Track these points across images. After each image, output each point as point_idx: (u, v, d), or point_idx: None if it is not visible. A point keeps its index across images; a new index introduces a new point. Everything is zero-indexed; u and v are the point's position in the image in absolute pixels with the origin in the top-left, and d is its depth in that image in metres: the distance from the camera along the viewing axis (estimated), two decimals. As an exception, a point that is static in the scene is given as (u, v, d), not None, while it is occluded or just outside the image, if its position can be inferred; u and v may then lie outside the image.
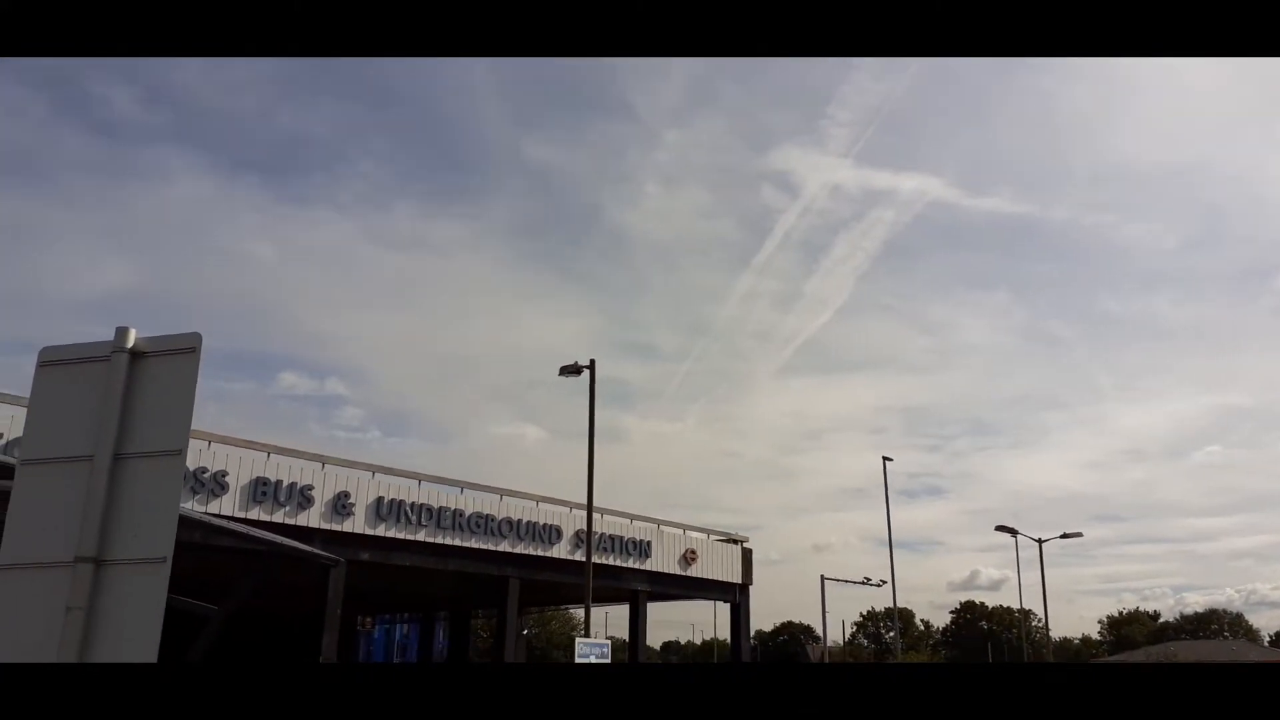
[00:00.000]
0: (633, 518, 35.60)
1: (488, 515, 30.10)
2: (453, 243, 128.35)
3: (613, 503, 37.33)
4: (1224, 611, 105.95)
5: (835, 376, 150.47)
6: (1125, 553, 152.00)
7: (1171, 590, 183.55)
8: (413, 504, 28.15)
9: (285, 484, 25.26)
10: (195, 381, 3.29)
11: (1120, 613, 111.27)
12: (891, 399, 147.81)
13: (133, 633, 3.00)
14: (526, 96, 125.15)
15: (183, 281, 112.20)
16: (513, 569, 31.23)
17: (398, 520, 27.69)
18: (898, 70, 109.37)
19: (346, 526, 26.43)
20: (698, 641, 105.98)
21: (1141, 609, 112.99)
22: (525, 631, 63.25)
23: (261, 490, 24.71)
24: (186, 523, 4.47)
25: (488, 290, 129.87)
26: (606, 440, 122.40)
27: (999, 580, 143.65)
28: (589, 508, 26.21)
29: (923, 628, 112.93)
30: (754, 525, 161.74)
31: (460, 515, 29.36)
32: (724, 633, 61.28)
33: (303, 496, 25.55)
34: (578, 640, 25.31)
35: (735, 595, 40.05)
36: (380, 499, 27.41)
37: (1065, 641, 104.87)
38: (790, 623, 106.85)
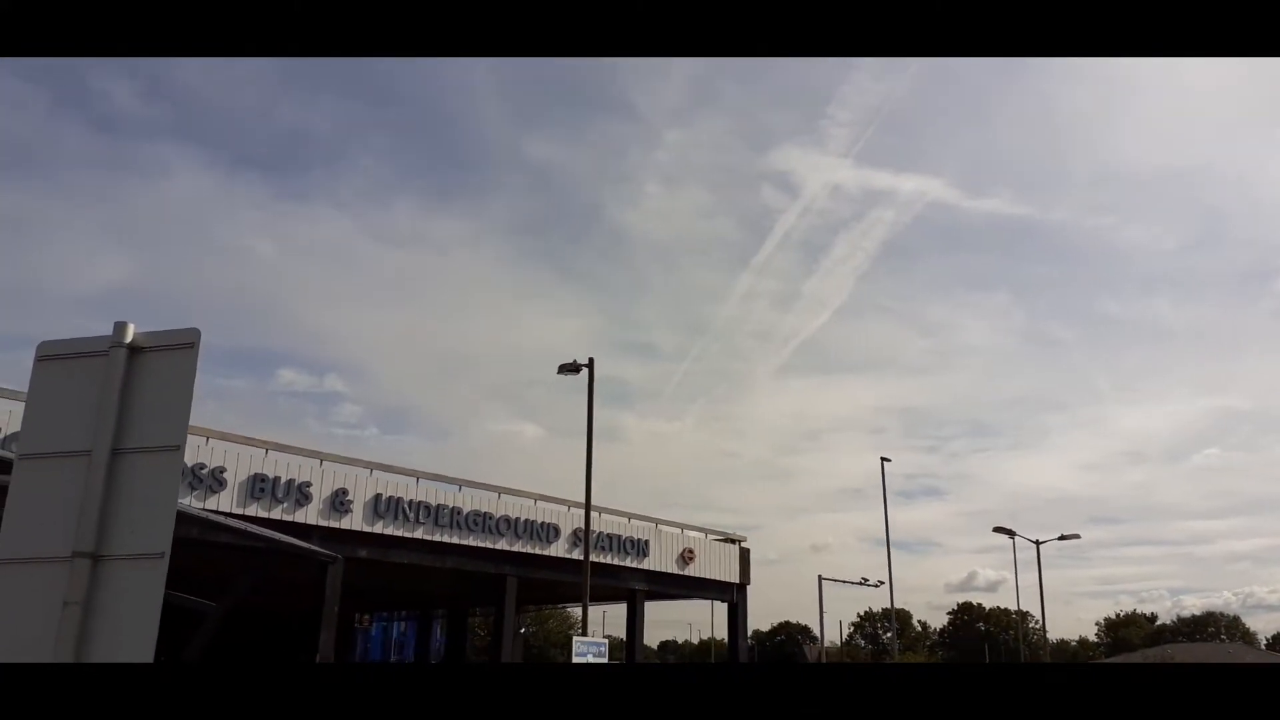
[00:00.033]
0: (631, 517, 35.61)
1: (486, 513, 30.11)
2: (452, 240, 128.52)
3: (611, 501, 37.37)
4: (1221, 614, 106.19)
5: (834, 377, 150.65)
6: (1123, 555, 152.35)
7: (1169, 593, 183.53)
8: (411, 501, 28.14)
9: (283, 480, 25.26)
10: (194, 377, 3.29)
11: (1117, 615, 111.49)
12: (890, 400, 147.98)
13: (130, 628, 3.00)
14: (527, 95, 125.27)
15: (182, 277, 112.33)
16: (510, 567, 31.24)
17: (395, 517, 27.69)
18: (898, 70, 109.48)
19: (344, 523, 26.43)
20: (695, 641, 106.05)
21: (1139, 611, 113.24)
22: (523, 630, 63.24)
23: (259, 487, 24.71)
24: (184, 519, 4.48)
25: (487, 288, 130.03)
26: (605, 439, 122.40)
27: (996, 581, 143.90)
28: (587, 506, 26.21)
29: (920, 629, 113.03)
30: (752, 525, 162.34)
31: (458, 513, 29.36)
32: (721, 632, 61.39)
33: (300, 493, 25.54)
34: (575, 639, 25.29)
35: (733, 595, 40.06)
36: (378, 496, 27.41)
37: (1062, 643, 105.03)
38: (788, 623, 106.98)
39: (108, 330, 3.35)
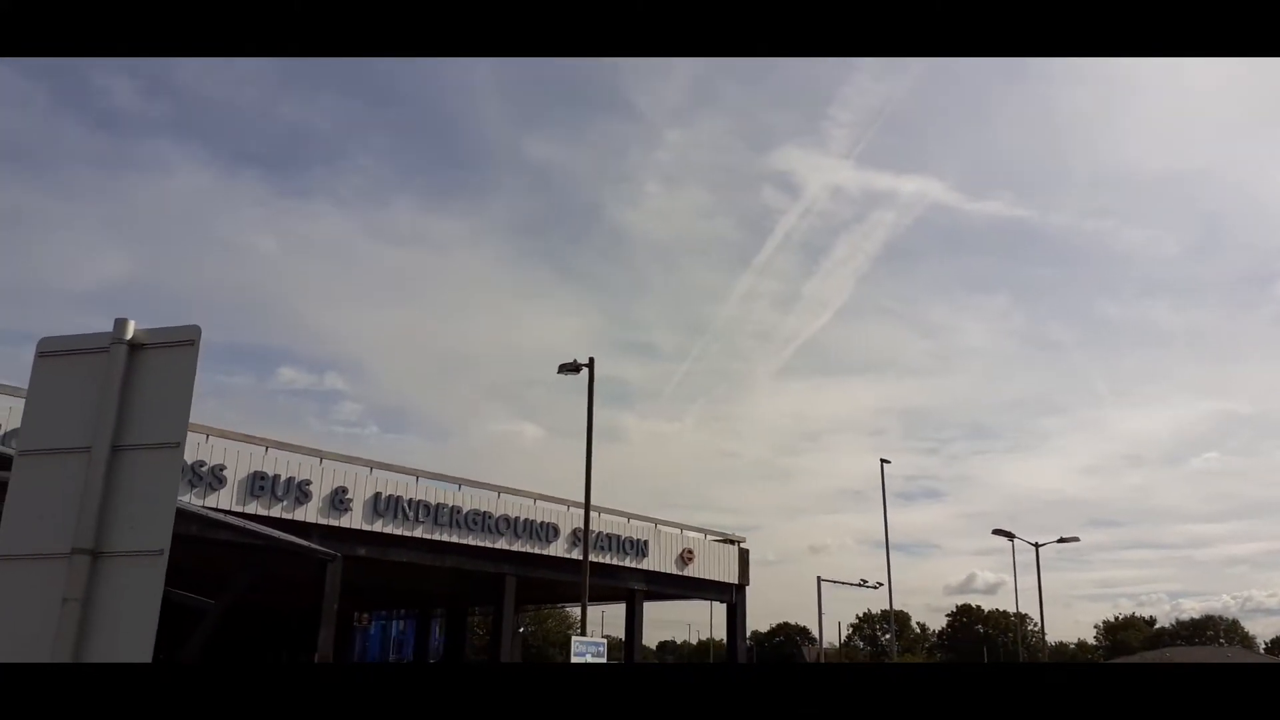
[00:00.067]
0: (630, 517, 35.60)
1: (485, 512, 30.10)
2: (452, 239, 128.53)
3: (610, 501, 37.35)
4: (1220, 618, 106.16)
5: (834, 378, 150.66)
6: (1122, 558, 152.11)
7: (1168, 596, 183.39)
8: (410, 500, 28.14)
9: (283, 478, 25.26)
10: (194, 374, 3.30)
11: (1116, 618, 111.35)
12: (890, 401, 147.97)
13: (129, 625, 3.00)
14: (528, 95, 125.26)
15: (182, 274, 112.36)
16: (510, 566, 31.23)
17: (395, 516, 27.69)
18: (899, 71, 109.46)
19: (344, 522, 26.43)
20: (694, 641, 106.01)
21: (1137, 614, 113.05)
22: (521, 629, 63.23)
23: (259, 484, 24.70)
24: (184, 516, 4.48)
25: (487, 287, 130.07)
26: (605, 439, 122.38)
27: (995, 584, 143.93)
28: (586, 506, 26.21)
29: (919, 630, 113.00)
30: (751, 526, 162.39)
31: (458, 512, 29.36)
32: (720, 633, 61.41)
33: (300, 491, 25.54)
34: (574, 639, 25.30)
35: (732, 595, 40.05)
36: (378, 495, 27.41)
37: (1061, 646, 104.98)
38: (786, 624, 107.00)
39: (108, 327, 3.35)
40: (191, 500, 21.71)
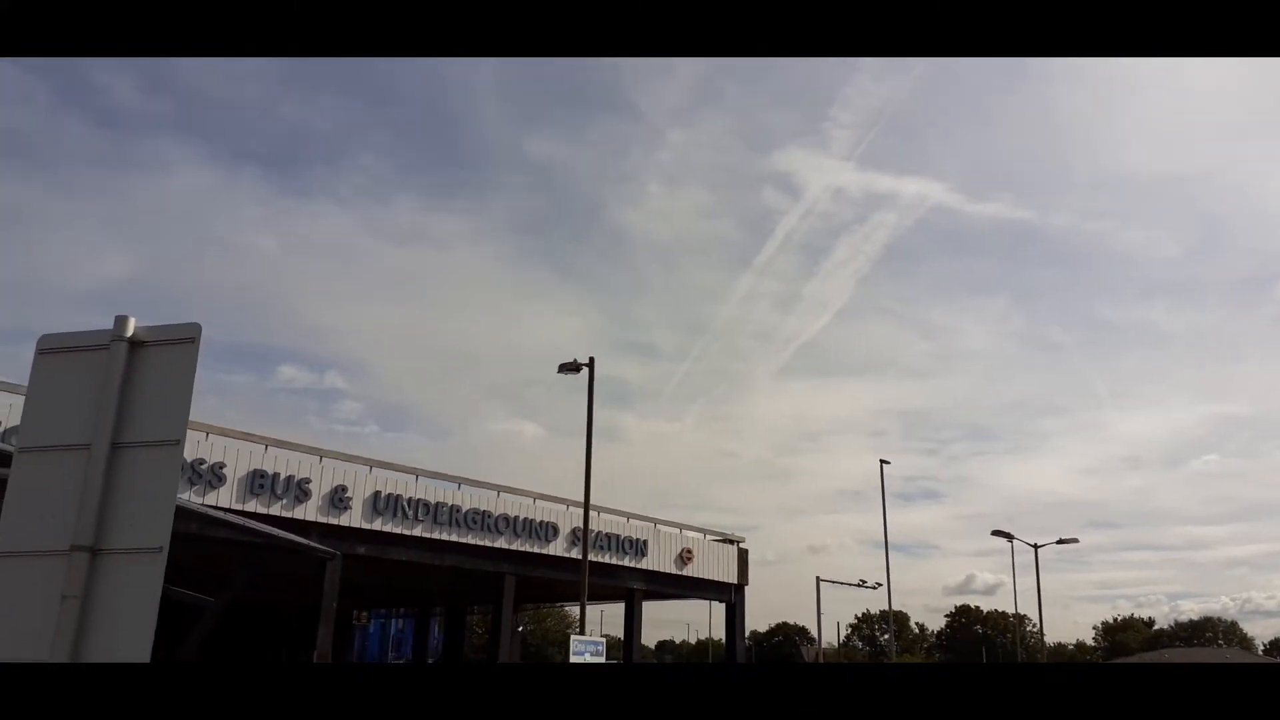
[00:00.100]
0: (629, 516, 35.61)
1: (485, 511, 30.11)
2: (453, 237, 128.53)
3: (610, 501, 37.32)
4: (1219, 620, 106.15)
5: (834, 379, 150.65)
6: (1121, 559, 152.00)
7: (1166, 598, 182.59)
8: (410, 499, 28.15)
9: (283, 477, 25.27)
10: (194, 372, 3.30)
11: (1115, 619, 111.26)
12: (890, 402, 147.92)
13: (128, 623, 3.01)
14: (529, 94, 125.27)
15: (183, 272, 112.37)
16: (509, 565, 31.24)
17: (394, 515, 27.70)
18: (900, 72, 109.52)
19: (343, 520, 26.44)
20: (693, 641, 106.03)
21: (1136, 616, 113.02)
22: (520, 628, 63.25)
23: (259, 483, 24.71)
24: (183, 513, 4.48)
25: (488, 287, 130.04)
26: (605, 439, 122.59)
27: (994, 585, 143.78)
28: (586, 506, 26.22)
29: (917, 631, 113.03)
30: (750, 526, 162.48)
31: (457, 511, 29.37)
32: (719, 633, 61.41)
33: (300, 490, 25.55)
34: (573, 638, 25.31)
35: (731, 595, 40.06)
36: (377, 493, 27.42)
37: (1059, 647, 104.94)
38: (785, 624, 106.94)
39: (109, 324, 3.35)
40: (191, 498, 21.72)
